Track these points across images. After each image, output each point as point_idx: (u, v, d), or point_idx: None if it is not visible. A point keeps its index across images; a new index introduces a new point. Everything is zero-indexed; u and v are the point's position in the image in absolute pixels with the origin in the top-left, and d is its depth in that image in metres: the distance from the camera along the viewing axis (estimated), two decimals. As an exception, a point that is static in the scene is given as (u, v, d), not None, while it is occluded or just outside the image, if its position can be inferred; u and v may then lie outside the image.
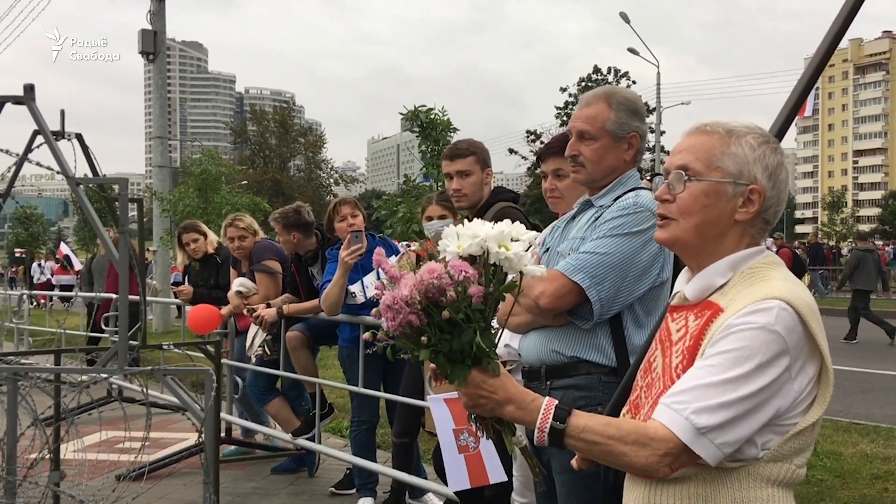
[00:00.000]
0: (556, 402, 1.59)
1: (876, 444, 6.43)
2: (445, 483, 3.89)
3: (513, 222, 3.55)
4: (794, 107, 2.32)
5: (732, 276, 1.63)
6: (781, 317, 1.50)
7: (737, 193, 1.63)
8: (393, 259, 5.23)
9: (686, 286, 1.70)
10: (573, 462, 1.82)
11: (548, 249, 2.68)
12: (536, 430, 1.57)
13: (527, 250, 1.60)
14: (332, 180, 72.03)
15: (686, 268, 1.75)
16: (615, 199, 2.51)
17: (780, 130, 2.16)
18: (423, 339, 1.53)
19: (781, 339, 1.49)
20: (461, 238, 1.59)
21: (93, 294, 10.02)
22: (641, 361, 1.80)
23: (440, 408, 3.25)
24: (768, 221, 1.67)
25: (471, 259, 1.57)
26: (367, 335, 1.68)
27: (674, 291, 1.76)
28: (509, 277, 1.63)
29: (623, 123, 2.49)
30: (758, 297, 1.53)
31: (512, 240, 1.59)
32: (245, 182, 40.09)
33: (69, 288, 17.42)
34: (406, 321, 1.51)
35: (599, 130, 2.49)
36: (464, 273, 1.51)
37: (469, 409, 1.65)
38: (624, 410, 1.77)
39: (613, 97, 2.52)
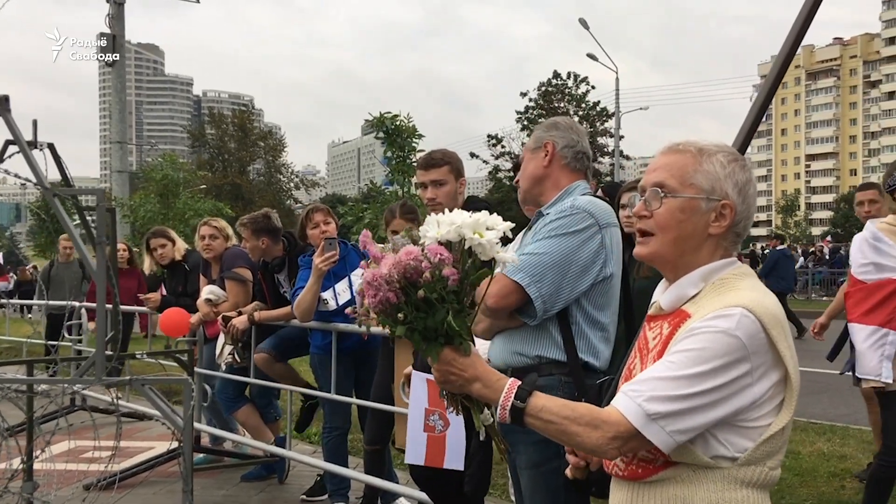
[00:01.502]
0: (519, 382, 1.69)
1: (832, 443, 6.63)
2: (414, 478, 3.99)
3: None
4: (754, 123, 2.43)
5: (704, 287, 1.72)
6: (743, 323, 1.59)
7: (710, 208, 1.72)
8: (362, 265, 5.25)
9: (661, 296, 1.79)
10: (567, 472, 1.94)
11: None
12: (499, 408, 1.68)
13: (502, 240, 1.72)
14: (292, 185, 71.62)
15: (663, 280, 1.84)
16: None
17: (742, 146, 2.27)
18: (400, 315, 1.64)
19: (741, 344, 1.58)
20: (440, 225, 1.70)
21: (41, 302, 9.93)
22: (622, 369, 1.89)
23: (420, 384, 3.35)
24: (739, 234, 1.77)
25: (448, 245, 1.68)
26: (350, 308, 1.82)
27: (651, 302, 1.85)
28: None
29: (538, 137, 2.87)
30: (723, 304, 1.62)
31: (487, 228, 1.71)
32: (204, 186, 39.70)
33: (4, 294, 17.16)
34: (385, 298, 1.62)
35: (524, 152, 2.93)
36: (439, 256, 1.62)
37: (440, 384, 1.75)
38: None
39: (538, 125, 2.96)
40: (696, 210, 1.72)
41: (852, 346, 4.44)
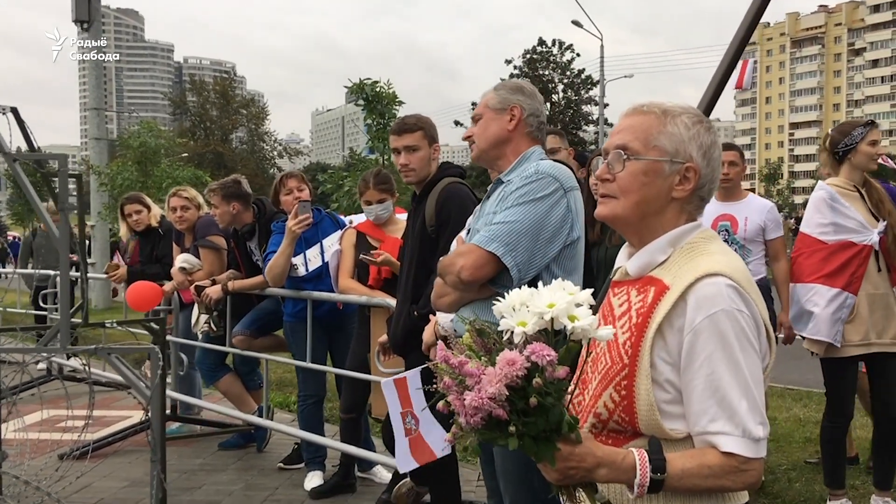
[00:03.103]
0: (646, 453, 1.55)
1: (808, 409, 6.69)
2: (387, 446, 3.96)
3: (460, 197, 3.61)
4: (719, 85, 2.40)
5: (673, 252, 1.68)
6: (729, 293, 1.56)
7: (673, 171, 1.68)
8: (337, 234, 5.19)
9: (628, 262, 1.75)
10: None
11: (469, 231, 2.79)
12: (636, 487, 1.53)
13: (590, 307, 1.51)
14: (275, 153, 71.05)
15: (626, 244, 1.80)
16: None
17: (707, 108, 2.23)
18: (511, 429, 1.42)
19: (740, 314, 1.56)
20: (520, 314, 1.49)
21: (21, 271, 9.84)
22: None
23: (391, 391, 3.30)
24: (703, 198, 1.73)
25: (543, 334, 1.48)
26: (450, 435, 1.54)
27: (615, 267, 1.81)
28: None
29: (503, 99, 2.81)
30: (700, 271, 1.58)
31: (577, 305, 1.49)
32: (185, 155, 39.28)
33: None
34: (495, 416, 1.42)
35: (483, 109, 2.85)
36: (548, 358, 1.42)
37: (559, 482, 1.56)
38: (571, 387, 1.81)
39: (499, 85, 2.89)
40: (659, 173, 1.68)
41: None
